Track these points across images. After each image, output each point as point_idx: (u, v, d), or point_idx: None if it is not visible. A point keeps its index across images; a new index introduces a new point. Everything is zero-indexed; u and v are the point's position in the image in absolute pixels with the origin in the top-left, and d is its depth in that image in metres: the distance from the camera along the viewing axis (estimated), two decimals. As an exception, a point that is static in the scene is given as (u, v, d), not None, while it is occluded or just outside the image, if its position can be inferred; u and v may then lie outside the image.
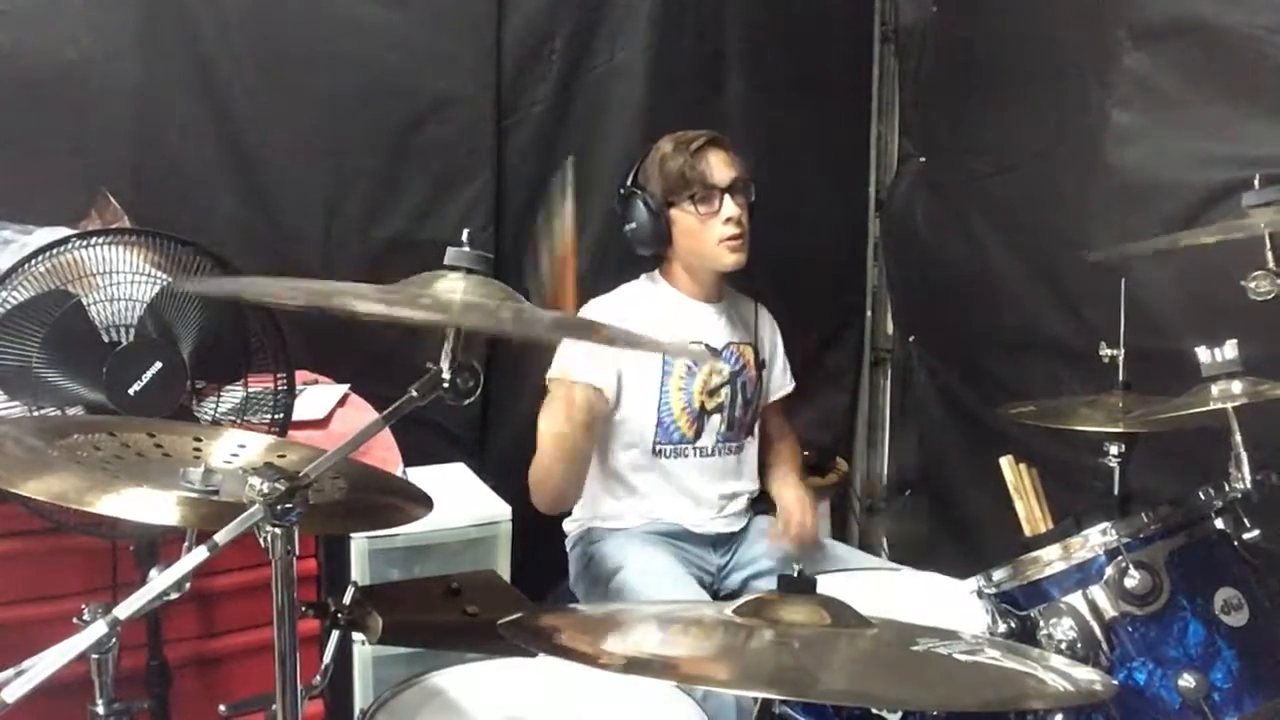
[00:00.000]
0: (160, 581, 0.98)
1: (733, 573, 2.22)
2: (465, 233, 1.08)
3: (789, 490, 2.24)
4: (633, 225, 2.15)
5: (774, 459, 2.36)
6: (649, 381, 2.13)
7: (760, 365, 2.27)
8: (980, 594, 1.54)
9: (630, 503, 2.18)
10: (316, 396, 1.99)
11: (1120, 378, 2.00)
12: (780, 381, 2.36)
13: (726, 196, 2.10)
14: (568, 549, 2.26)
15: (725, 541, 2.23)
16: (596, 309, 2.15)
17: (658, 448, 2.16)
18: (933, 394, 3.03)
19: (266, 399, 1.58)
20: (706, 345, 2.18)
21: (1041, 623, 1.45)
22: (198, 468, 1.15)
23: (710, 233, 2.11)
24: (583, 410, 2.01)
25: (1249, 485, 1.49)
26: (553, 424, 2.02)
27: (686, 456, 2.18)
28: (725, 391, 2.19)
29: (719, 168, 2.12)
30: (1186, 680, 1.37)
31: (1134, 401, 1.96)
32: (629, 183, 2.17)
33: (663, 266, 2.23)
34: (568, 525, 2.26)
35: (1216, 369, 1.51)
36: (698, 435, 2.17)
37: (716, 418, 2.19)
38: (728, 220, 2.10)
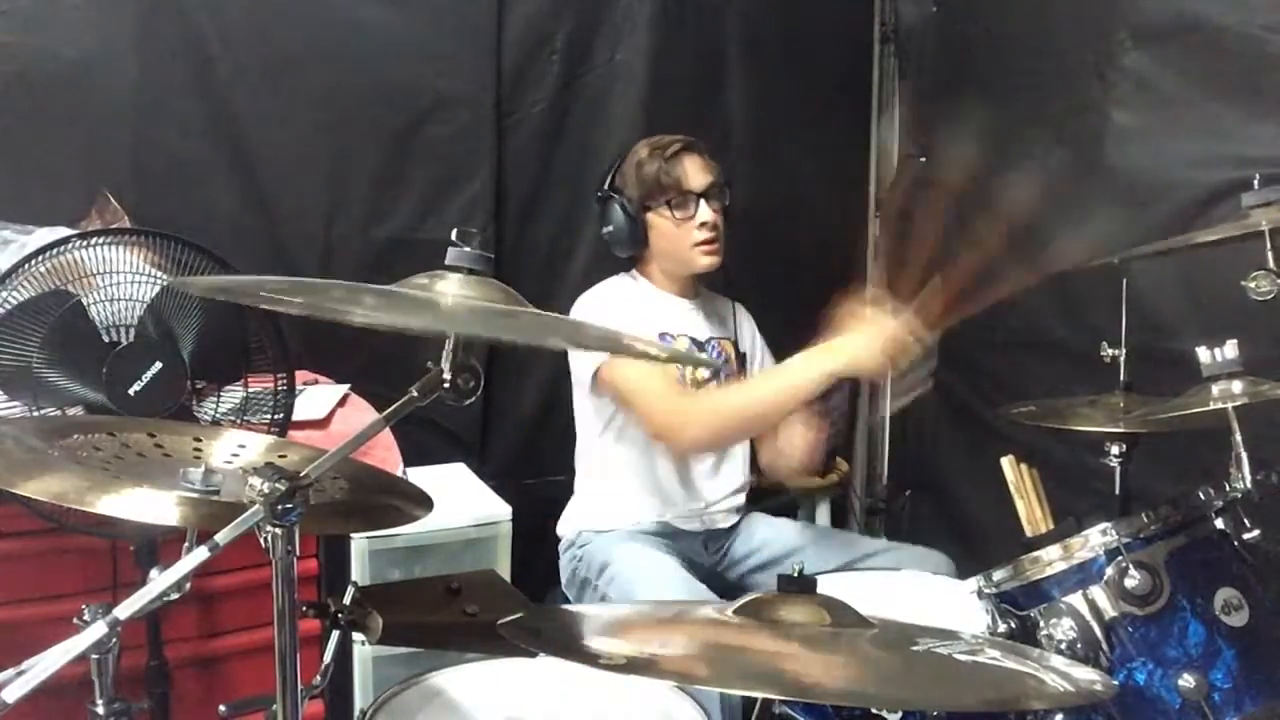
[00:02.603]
0: (160, 582, 0.98)
1: (728, 570, 2.23)
2: (454, 231, 1.06)
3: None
4: (610, 228, 2.19)
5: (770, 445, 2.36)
6: None
7: (741, 359, 2.29)
8: (980, 594, 1.54)
9: (619, 501, 2.18)
10: (316, 396, 1.99)
11: (1121, 378, 2.00)
12: None
13: (702, 201, 2.13)
14: (560, 552, 2.27)
15: (716, 538, 2.23)
16: (584, 304, 2.18)
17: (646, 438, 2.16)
18: (933, 394, 3.02)
19: (266, 399, 1.58)
20: (691, 339, 2.20)
21: (1041, 623, 1.45)
22: (198, 468, 1.15)
23: (686, 237, 2.14)
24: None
25: (1249, 485, 1.48)
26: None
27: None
28: (711, 386, 2.20)
29: (695, 173, 2.14)
30: (1186, 680, 1.37)
31: (1135, 402, 1.96)
32: (606, 186, 2.20)
33: (640, 266, 2.25)
34: (560, 530, 2.27)
35: (1217, 369, 1.51)
36: None
37: None
38: (702, 225, 2.13)
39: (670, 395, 2.07)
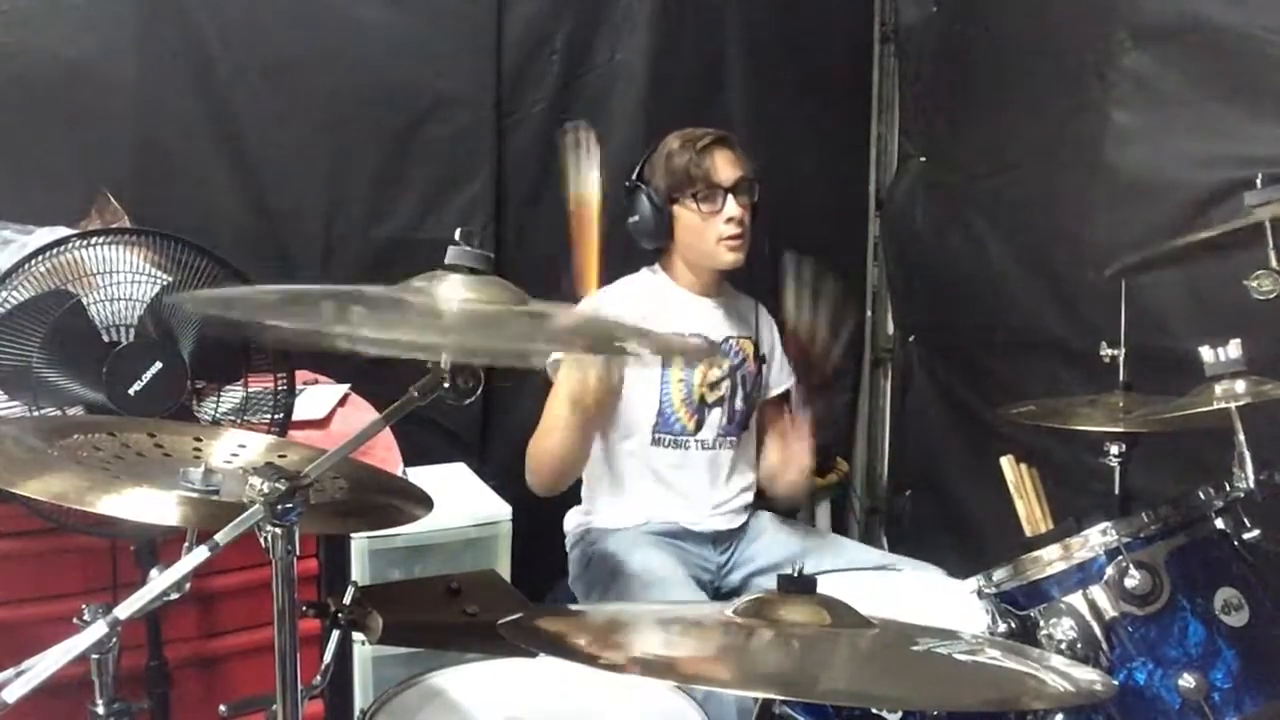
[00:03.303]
0: (160, 581, 0.98)
1: (733, 570, 2.22)
2: (459, 231, 1.06)
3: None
4: (636, 219, 2.18)
5: (772, 453, 2.36)
6: (651, 370, 2.14)
7: (760, 360, 2.28)
8: (980, 594, 1.54)
9: (628, 500, 2.18)
10: (316, 396, 1.99)
11: (1121, 377, 2.00)
12: (780, 378, 2.37)
13: (729, 196, 2.12)
14: (568, 549, 2.26)
15: (725, 539, 2.23)
16: (598, 301, 2.17)
17: (656, 437, 2.16)
18: (933, 394, 3.03)
19: (266, 399, 1.58)
20: (705, 339, 2.19)
21: (1041, 623, 1.45)
22: (198, 468, 1.15)
23: (711, 231, 2.13)
24: (599, 386, 1.99)
25: (1252, 485, 1.48)
26: (567, 392, 2.01)
27: (687, 449, 2.18)
28: (725, 385, 2.20)
29: (724, 167, 2.13)
30: (1186, 680, 1.37)
31: (1134, 401, 1.96)
32: (635, 176, 2.20)
33: (663, 260, 2.24)
34: (568, 525, 2.26)
35: (1220, 368, 1.51)
36: (698, 428, 2.18)
37: (717, 411, 2.20)
38: (729, 220, 2.12)
39: (543, 429, 2.08)
